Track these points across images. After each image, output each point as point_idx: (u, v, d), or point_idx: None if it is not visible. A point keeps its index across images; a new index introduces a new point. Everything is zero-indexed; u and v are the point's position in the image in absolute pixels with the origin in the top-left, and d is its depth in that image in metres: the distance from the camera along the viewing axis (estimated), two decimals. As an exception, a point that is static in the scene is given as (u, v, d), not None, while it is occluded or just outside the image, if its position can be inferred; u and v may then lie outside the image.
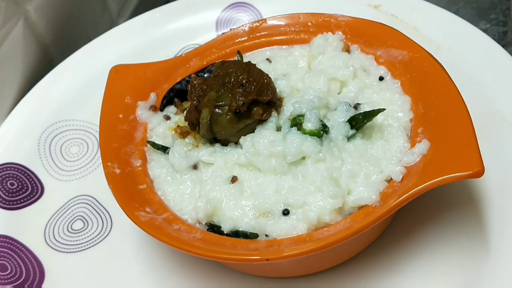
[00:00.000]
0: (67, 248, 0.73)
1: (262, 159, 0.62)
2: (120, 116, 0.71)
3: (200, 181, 0.64)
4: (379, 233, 0.68)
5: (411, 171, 0.59)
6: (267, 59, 0.75)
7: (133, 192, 0.65)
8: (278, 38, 0.76)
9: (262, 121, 0.65)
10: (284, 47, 0.76)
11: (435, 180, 0.55)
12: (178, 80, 0.75)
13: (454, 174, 0.55)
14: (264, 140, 0.62)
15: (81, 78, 0.89)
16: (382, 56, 0.71)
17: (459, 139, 0.57)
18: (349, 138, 0.63)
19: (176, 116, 0.72)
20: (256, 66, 0.68)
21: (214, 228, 0.62)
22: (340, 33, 0.73)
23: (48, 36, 0.92)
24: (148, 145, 0.70)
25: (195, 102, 0.65)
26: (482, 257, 0.64)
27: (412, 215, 0.69)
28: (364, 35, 0.72)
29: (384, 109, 0.62)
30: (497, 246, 0.64)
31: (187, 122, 0.68)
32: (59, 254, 0.73)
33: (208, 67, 0.76)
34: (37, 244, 0.73)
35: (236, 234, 0.61)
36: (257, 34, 0.77)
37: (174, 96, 0.75)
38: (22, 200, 0.78)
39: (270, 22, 0.78)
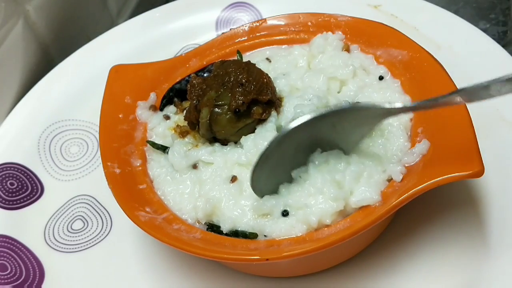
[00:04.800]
0: (67, 248, 0.73)
1: None
2: (120, 116, 0.71)
3: (200, 181, 0.64)
4: (379, 233, 0.68)
5: (411, 171, 0.59)
6: (267, 58, 0.74)
7: (133, 192, 0.65)
8: (278, 38, 0.76)
9: (261, 120, 0.65)
10: (283, 46, 0.76)
11: (435, 180, 0.55)
12: (177, 80, 0.75)
13: (454, 174, 0.54)
14: (265, 142, 0.62)
15: (81, 78, 0.89)
16: (382, 56, 0.71)
17: (459, 139, 0.57)
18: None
19: (176, 116, 0.72)
20: (256, 65, 0.68)
21: (213, 227, 0.62)
22: (340, 32, 0.73)
23: (48, 36, 0.92)
24: (148, 144, 0.70)
25: (194, 101, 0.65)
26: (482, 257, 0.64)
27: (412, 215, 0.69)
28: (364, 35, 0.72)
29: None
30: (497, 246, 0.64)
31: (186, 122, 0.68)
32: (59, 254, 0.73)
33: (208, 66, 0.76)
34: (37, 244, 0.73)
35: (235, 234, 0.61)
36: (257, 34, 0.77)
37: (174, 95, 0.75)
38: (22, 200, 0.77)
39: (270, 22, 0.78)
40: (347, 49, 0.72)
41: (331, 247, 0.55)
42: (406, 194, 0.56)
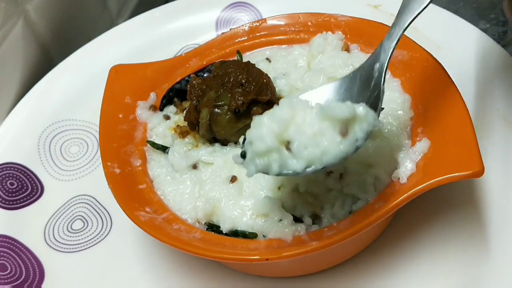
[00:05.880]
0: (67, 248, 0.73)
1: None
2: (120, 116, 0.71)
3: (200, 181, 0.64)
4: (379, 233, 0.68)
5: (411, 170, 0.59)
6: (267, 58, 0.74)
7: (133, 192, 0.65)
8: (278, 38, 0.76)
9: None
10: (283, 46, 0.76)
11: (435, 180, 0.55)
12: (177, 80, 0.75)
13: (454, 174, 0.54)
14: None
15: (81, 78, 0.89)
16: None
17: (459, 139, 0.57)
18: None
19: (176, 116, 0.72)
20: (256, 65, 0.68)
21: (213, 227, 0.62)
22: (340, 32, 0.73)
23: (48, 36, 0.92)
24: (148, 145, 0.70)
25: (194, 102, 0.65)
26: (482, 257, 0.64)
27: (412, 215, 0.68)
28: (364, 34, 0.72)
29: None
30: (497, 246, 0.64)
31: (186, 122, 0.68)
32: (59, 254, 0.73)
33: (208, 67, 0.76)
34: (37, 244, 0.73)
35: (235, 233, 0.61)
36: (257, 34, 0.77)
37: (174, 96, 0.75)
38: (22, 200, 0.77)
39: (270, 22, 0.77)
40: (347, 49, 0.72)
41: (331, 247, 0.55)
42: (406, 194, 0.56)
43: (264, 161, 0.51)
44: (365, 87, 0.56)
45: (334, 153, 0.50)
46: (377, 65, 0.57)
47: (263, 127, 0.51)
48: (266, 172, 0.51)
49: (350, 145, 0.50)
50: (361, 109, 0.51)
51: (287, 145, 0.50)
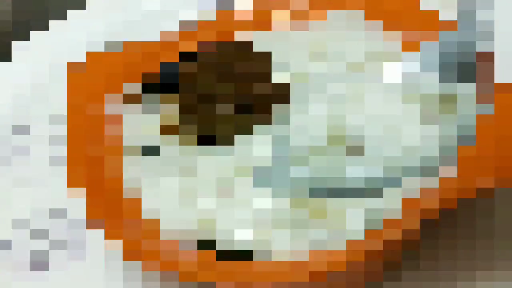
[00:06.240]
0: (32, 276, 0.66)
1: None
2: (93, 110, 0.66)
3: (190, 189, 0.60)
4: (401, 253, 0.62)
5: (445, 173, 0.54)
6: (269, 42, 0.69)
7: (110, 202, 0.60)
8: (282, 16, 0.71)
9: (263, 116, 0.62)
10: (290, 25, 0.70)
11: (473, 186, 0.51)
12: (163, 67, 0.68)
13: (496, 177, 0.50)
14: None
15: (45, 65, 0.82)
16: (408, 37, 0.66)
17: (501, 136, 0.53)
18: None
19: (162, 111, 0.66)
20: (257, 50, 0.65)
21: (207, 243, 0.58)
22: (358, 10, 0.68)
23: (5, 15, 0.86)
24: (128, 145, 0.64)
25: (184, 94, 0.63)
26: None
27: (446, 228, 0.62)
28: (387, 13, 0.68)
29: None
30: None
31: (174, 118, 0.64)
32: (20, 283, 0.65)
33: (200, 51, 0.69)
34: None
35: (232, 251, 0.57)
36: (258, 11, 0.71)
37: (159, 86, 0.68)
38: (-27, 213, 0.69)
39: None
40: (365, 30, 0.67)
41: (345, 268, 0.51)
42: (436, 202, 0.51)
43: (305, 171, 0.41)
44: (448, 67, 0.48)
45: (427, 153, 0.39)
46: (459, 36, 0.49)
47: (306, 115, 0.41)
48: (305, 191, 0.42)
49: (449, 140, 0.40)
50: (464, 87, 0.41)
51: (345, 144, 0.40)
